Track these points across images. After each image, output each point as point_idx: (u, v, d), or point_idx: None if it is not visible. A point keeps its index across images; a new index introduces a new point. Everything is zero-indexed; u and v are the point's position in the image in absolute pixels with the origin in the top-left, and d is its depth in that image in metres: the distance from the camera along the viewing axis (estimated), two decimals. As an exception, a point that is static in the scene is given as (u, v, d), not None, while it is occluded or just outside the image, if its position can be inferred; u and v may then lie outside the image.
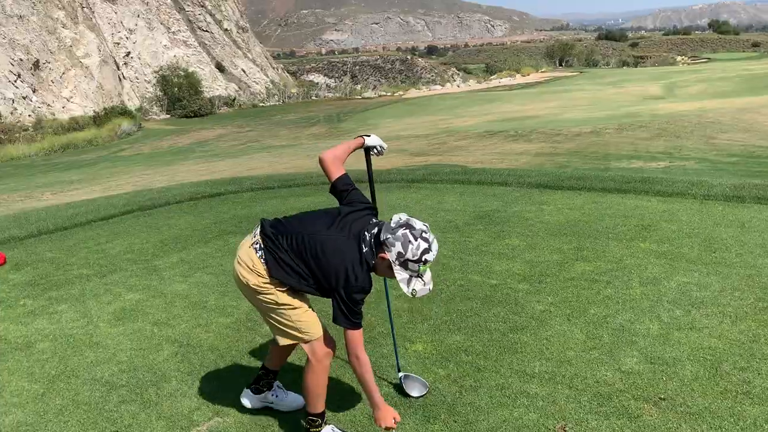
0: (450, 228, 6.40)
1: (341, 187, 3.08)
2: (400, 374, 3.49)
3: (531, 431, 3.05)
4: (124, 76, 49.74)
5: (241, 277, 2.85)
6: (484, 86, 58.21)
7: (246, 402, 3.33)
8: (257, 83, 62.17)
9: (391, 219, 2.82)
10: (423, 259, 2.73)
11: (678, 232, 5.83)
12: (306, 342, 2.88)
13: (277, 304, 2.83)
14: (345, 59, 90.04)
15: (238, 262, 2.87)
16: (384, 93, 56.93)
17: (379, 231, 2.80)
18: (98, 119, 38.39)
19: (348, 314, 2.75)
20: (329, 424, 3.06)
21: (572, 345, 3.86)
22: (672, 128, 21.08)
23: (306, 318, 2.88)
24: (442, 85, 62.32)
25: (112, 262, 6.09)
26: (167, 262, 5.96)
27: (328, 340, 2.92)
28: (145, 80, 51.98)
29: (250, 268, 2.82)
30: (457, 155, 17.22)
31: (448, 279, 5.03)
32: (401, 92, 56.74)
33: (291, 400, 3.33)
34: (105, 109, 40.13)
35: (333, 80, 76.73)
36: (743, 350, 3.67)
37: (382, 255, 2.77)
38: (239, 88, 58.73)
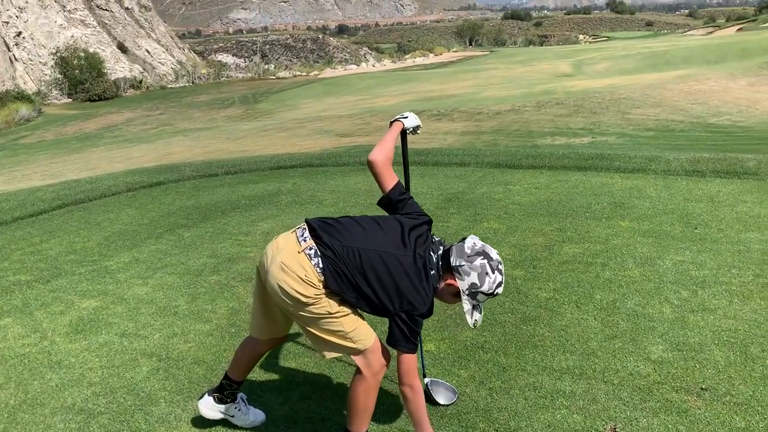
0: (422, 213, 6.10)
1: (397, 198, 2.77)
2: (426, 380, 3.18)
3: (581, 435, 2.82)
4: (16, 58, 46.15)
5: (289, 289, 2.41)
6: (399, 66, 58.10)
7: (205, 410, 2.92)
8: (163, 64, 59.23)
9: (463, 241, 2.55)
10: (495, 293, 2.50)
11: (653, 209, 5.79)
12: (360, 352, 2.52)
13: (329, 313, 2.46)
14: (254, 38, 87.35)
15: (283, 269, 2.43)
16: (299, 73, 55.71)
17: (446, 252, 2.54)
18: (-9, 104, 35.48)
19: (410, 336, 2.46)
20: (368, 445, 2.71)
21: (591, 335, 3.67)
22: (588, 105, 21.58)
23: (359, 324, 2.53)
24: (358, 65, 61.67)
25: (54, 264, 5.40)
26: (119, 262, 5.34)
27: (383, 350, 2.56)
28: (41, 62, 48.34)
29: (302, 279, 2.40)
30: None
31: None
32: (317, 72, 55.73)
33: (253, 416, 3.01)
34: (-2, 93, 37.15)
35: (243, 60, 74.15)
36: (764, 331, 3.59)
37: (451, 282, 2.51)
38: (144, 69, 55.73)
